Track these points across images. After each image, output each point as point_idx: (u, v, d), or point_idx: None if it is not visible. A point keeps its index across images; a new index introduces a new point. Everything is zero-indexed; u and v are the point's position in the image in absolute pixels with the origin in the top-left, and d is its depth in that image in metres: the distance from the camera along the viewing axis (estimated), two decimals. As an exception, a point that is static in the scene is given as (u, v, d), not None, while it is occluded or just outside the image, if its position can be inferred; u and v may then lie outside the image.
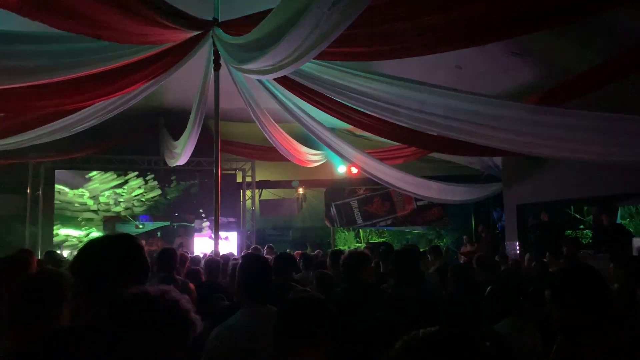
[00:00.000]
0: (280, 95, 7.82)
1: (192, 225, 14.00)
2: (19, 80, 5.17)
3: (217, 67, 6.58)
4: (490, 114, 6.28)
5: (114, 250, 1.77)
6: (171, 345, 1.37)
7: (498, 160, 10.69)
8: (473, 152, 8.93)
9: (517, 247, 9.95)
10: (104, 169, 13.20)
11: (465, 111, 6.28)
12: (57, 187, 12.90)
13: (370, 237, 16.51)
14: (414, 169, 10.43)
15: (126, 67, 5.82)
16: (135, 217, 13.67)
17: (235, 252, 11.92)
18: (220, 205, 6.85)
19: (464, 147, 7.58)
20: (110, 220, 13.35)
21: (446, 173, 11.90)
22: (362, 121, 7.61)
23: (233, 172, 14.12)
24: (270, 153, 10.67)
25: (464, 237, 12.32)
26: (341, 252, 5.79)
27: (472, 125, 6.52)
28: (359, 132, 10.30)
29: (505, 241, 10.84)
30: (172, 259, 4.53)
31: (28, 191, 11.93)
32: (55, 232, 12.71)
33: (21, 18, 4.22)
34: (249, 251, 8.11)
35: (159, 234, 13.65)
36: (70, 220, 13.06)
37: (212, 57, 6.50)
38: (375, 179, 10.30)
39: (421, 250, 9.55)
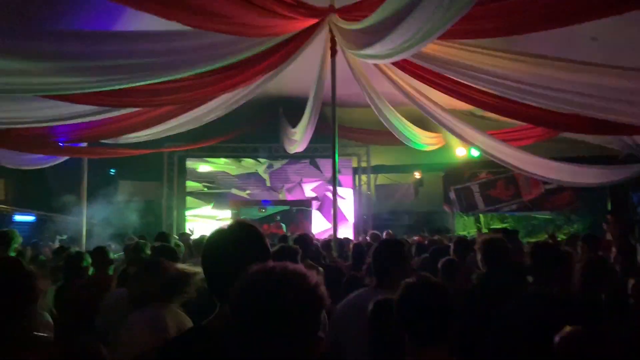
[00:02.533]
0: (396, 78, 7.68)
1: (310, 209, 14.40)
2: (153, 76, 5.57)
3: (333, 53, 6.61)
4: (632, 88, 5.67)
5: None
6: (301, 319, 1.26)
7: (639, 138, 9.62)
8: (612, 131, 8.11)
9: (663, 236, 8.90)
10: (230, 156, 14.01)
11: (603, 87, 5.72)
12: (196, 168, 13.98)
13: (492, 222, 15.81)
14: (543, 150, 9.70)
15: (248, 60, 6.05)
16: (257, 201, 14.40)
17: (351, 237, 12.07)
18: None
19: (601, 126, 6.91)
20: (235, 204, 14.21)
21: (579, 154, 10.97)
22: (485, 101, 7.22)
23: (349, 157, 14.23)
24: (385, 137, 10.56)
25: (604, 224, 11.24)
26: (465, 239, 5.53)
27: (611, 102, 5.94)
28: (479, 112, 9.82)
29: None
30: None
31: (164, 178, 13.01)
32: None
33: (149, 16, 4.54)
34: (367, 237, 8.14)
35: (278, 217, 14.23)
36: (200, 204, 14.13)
37: (329, 45, 6.54)
38: (499, 162, 9.76)
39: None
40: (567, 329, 1.93)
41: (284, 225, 13.75)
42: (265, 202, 14.43)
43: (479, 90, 6.95)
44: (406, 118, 9.57)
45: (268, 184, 14.68)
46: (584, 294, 3.04)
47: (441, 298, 1.87)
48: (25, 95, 5.71)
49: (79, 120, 7.57)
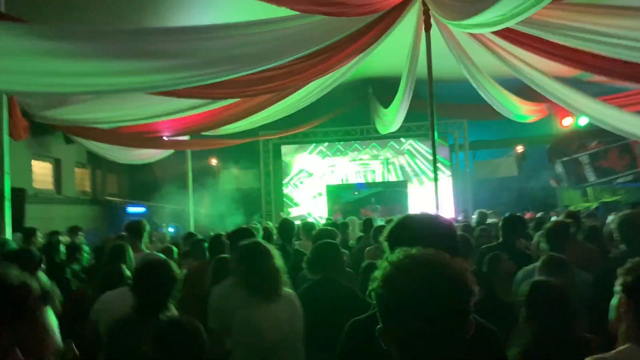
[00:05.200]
0: (494, 47, 7.24)
1: (405, 189, 14.17)
2: (251, 66, 5.63)
3: (427, 27, 6.34)
4: None
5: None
6: None
7: None
8: None
9: None
10: (322, 140, 14.11)
11: None
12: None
13: (601, 195, 14.68)
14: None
15: (339, 42, 5.95)
16: (352, 184, 14.45)
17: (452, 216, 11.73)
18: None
19: None
20: (330, 188, 14.34)
21: None
22: (596, 65, 6.61)
23: (445, 134, 13.80)
24: (484, 111, 10.08)
25: None
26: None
27: None
28: (587, 78, 9.05)
29: None
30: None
31: (261, 165, 13.39)
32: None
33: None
34: (472, 216, 7.82)
35: (372, 200, 14.13)
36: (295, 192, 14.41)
37: (423, 18, 6.28)
38: (611, 129, 8.95)
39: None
40: None
41: (378, 207, 13.66)
42: (360, 185, 14.42)
43: (587, 53, 6.37)
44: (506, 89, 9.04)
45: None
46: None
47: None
48: (130, 93, 6.05)
49: (181, 115, 7.93)
